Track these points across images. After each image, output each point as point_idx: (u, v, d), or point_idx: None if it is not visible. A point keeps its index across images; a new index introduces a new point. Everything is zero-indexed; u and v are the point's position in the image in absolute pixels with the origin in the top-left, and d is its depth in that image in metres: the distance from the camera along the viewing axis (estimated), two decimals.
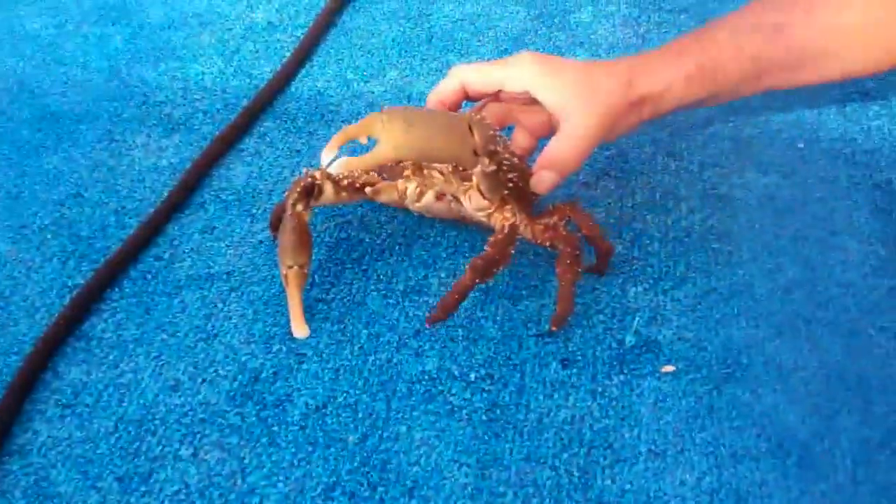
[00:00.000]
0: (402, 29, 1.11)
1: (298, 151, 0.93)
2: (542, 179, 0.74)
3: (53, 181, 0.89)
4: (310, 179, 0.74)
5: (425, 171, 0.74)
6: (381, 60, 1.05)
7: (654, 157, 0.90)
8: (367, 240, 0.82)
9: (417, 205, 0.76)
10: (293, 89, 1.01)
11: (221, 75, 1.04)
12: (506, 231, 0.72)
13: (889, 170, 0.88)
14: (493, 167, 0.69)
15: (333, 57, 1.06)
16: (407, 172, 0.75)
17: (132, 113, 0.98)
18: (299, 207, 0.74)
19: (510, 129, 0.82)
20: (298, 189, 0.74)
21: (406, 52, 1.07)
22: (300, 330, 0.73)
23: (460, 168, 0.73)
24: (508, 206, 0.75)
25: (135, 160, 0.92)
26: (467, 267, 0.69)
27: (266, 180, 0.89)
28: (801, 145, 0.91)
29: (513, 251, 0.71)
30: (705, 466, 0.64)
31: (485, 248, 0.70)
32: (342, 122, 0.96)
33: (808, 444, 0.65)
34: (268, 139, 0.94)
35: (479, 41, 1.08)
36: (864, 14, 0.74)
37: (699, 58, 0.74)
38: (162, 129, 0.96)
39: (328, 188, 0.75)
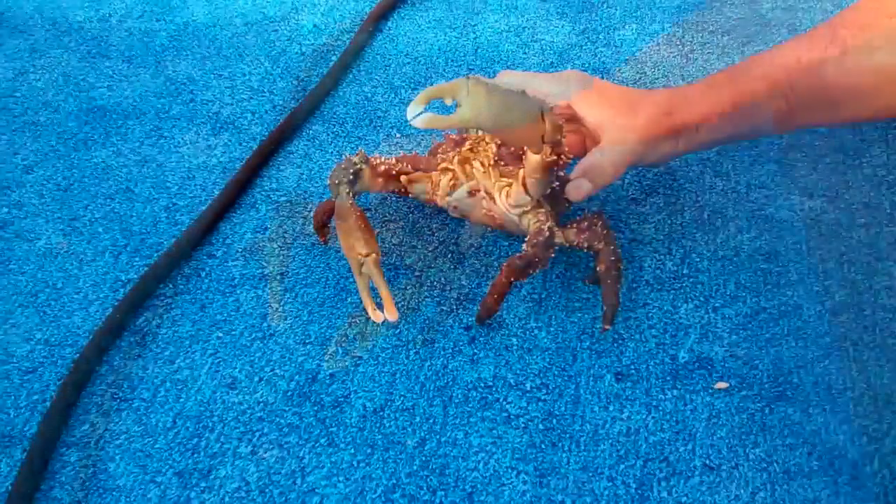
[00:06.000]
0: (447, 38, 1.11)
1: None
2: (579, 186, 0.75)
3: (102, 175, 0.90)
4: (353, 164, 0.75)
5: (466, 166, 0.75)
6: (427, 68, 1.06)
7: (701, 176, 0.91)
8: (420, 246, 0.82)
9: (448, 199, 0.76)
10: (341, 93, 1.02)
11: (268, 76, 1.04)
12: (545, 233, 0.72)
13: None
14: (553, 158, 0.69)
15: (380, 63, 1.07)
16: (443, 165, 0.76)
17: (179, 110, 0.98)
18: (349, 193, 0.74)
19: None
20: (345, 174, 0.74)
21: (453, 60, 1.07)
22: (393, 314, 0.71)
23: (502, 164, 0.75)
24: (542, 210, 0.75)
25: (183, 157, 0.92)
26: (503, 266, 0.70)
27: (317, 183, 0.89)
28: (845, 170, 0.92)
29: (552, 254, 0.72)
30: (759, 482, 0.64)
31: (523, 248, 0.71)
32: (391, 127, 0.96)
33: (857, 464, 0.66)
34: (317, 142, 0.94)
35: (525, 53, 1.08)
36: (894, 55, 0.73)
37: (734, 95, 0.76)
38: (210, 128, 0.96)
39: (366, 173, 0.76)
